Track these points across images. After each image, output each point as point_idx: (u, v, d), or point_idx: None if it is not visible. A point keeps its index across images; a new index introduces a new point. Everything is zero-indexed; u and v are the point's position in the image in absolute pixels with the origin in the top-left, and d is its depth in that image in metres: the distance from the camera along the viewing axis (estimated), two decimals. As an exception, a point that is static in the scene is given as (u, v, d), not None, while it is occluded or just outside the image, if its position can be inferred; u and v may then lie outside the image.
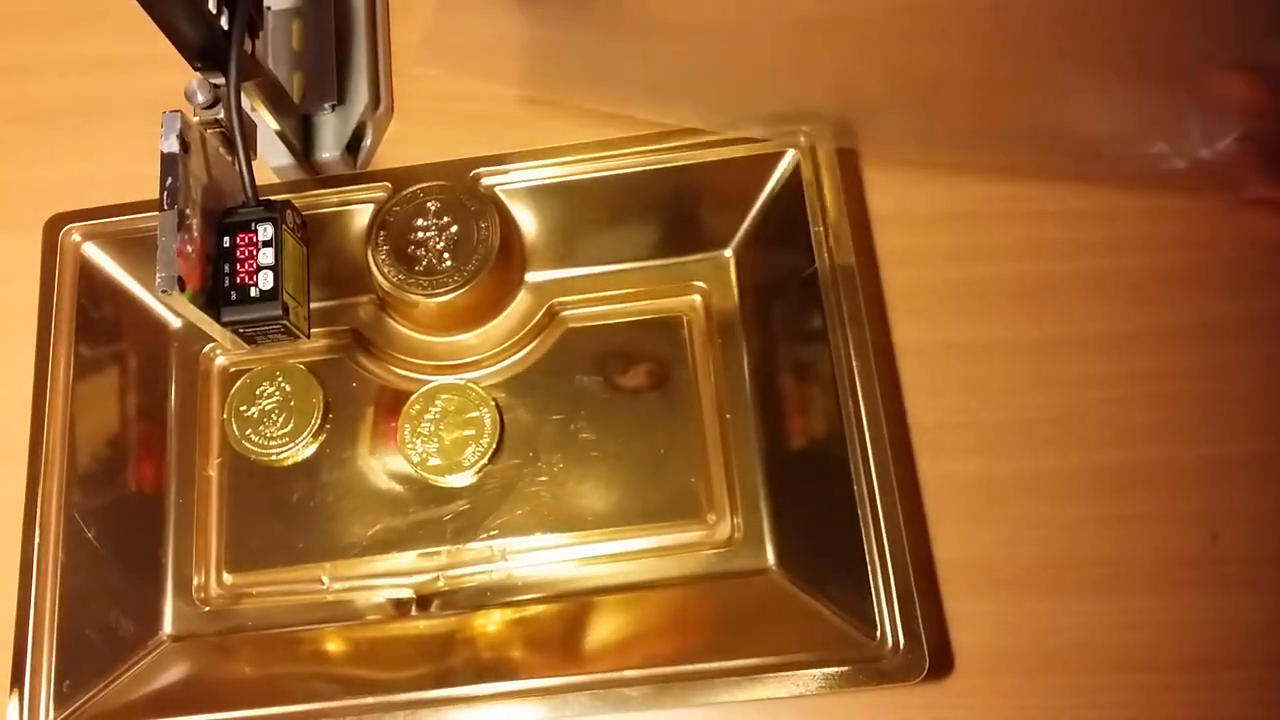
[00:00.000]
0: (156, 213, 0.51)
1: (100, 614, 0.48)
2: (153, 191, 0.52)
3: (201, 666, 0.49)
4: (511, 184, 0.53)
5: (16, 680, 0.45)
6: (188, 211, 0.40)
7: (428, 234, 0.52)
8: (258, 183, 0.43)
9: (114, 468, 0.51)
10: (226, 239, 0.42)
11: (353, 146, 0.55)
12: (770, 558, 0.49)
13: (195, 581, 0.51)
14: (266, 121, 0.50)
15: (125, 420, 0.52)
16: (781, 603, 0.48)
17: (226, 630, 0.50)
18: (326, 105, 0.55)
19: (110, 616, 0.49)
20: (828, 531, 0.48)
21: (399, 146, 0.57)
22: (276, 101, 0.50)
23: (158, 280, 0.38)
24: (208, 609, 0.50)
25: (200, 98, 0.43)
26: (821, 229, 0.50)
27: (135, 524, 0.51)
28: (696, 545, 0.50)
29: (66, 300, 0.52)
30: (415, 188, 0.52)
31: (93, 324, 0.52)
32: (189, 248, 0.39)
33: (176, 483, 0.52)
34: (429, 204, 0.52)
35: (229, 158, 0.44)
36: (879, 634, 0.44)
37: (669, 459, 0.51)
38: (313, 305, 0.53)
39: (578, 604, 0.49)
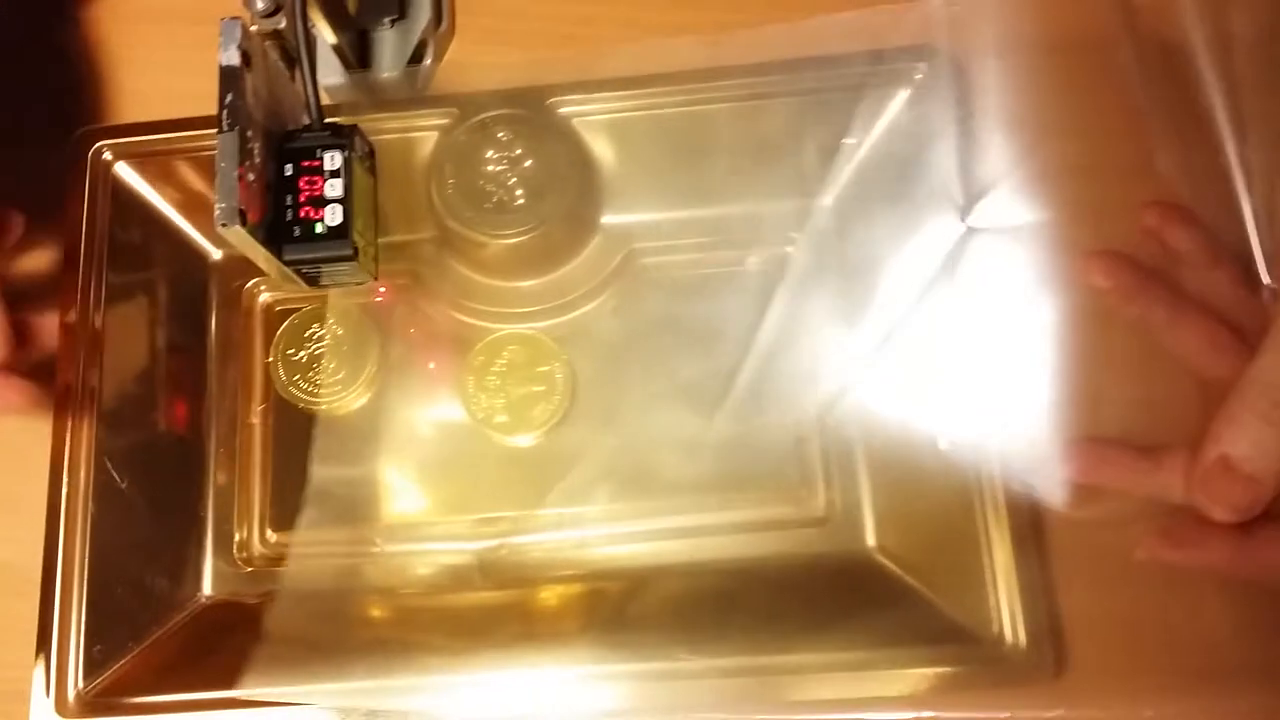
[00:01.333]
0: (200, 132, 0.48)
1: (134, 572, 0.44)
2: (193, 109, 0.48)
3: (243, 631, 0.45)
4: (592, 114, 0.48)
5: (43, 644, 0.41)
6: (249, 134, 0.35)
7: (499, 167, 0.47)
8: (310, 102, 0.38)
9: (148, 411, 0.47)
10: (288, 166, 0.37)
11: (412, 66, 0.50)
12: (870, 538, 0.45)
13: (237, 539, 0.47)
14: (323, 35, 0.45)
15: (160, 360, 0.47)
16: (882, 589, 0.43)
17: (270, 593, 0.46)
18: (386, 20, 0.49)
19: (144, 575, 0.44)
20: (934, 510, 0.43)
21: (462, 69, 0.51)
22: (333, 12, 0.45)
23: (216, 212, 0.33)
24: (250, 569, 0.46)
25: (260, 4, 0.38)
26: (945, 182, 0.45)
27: (172, 474, 0.46)
28: (787, 521, 0.46)
29: (98, 226, 0.47)
30: (485, 115, 0.47)
31: (125, 252, 0.47)
32: (251, 176, 0.34)
33: (216, 430, 0.48)
34: (500, 134, 0.47)
35: (289, 74, 0.39)
36: (997, 628, 0.40)
37: (758, 425, 0.47)
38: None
39: (653, 581, 0.45)
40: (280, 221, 0.37)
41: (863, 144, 0.48)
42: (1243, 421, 0.31)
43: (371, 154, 0.39)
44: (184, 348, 0.48)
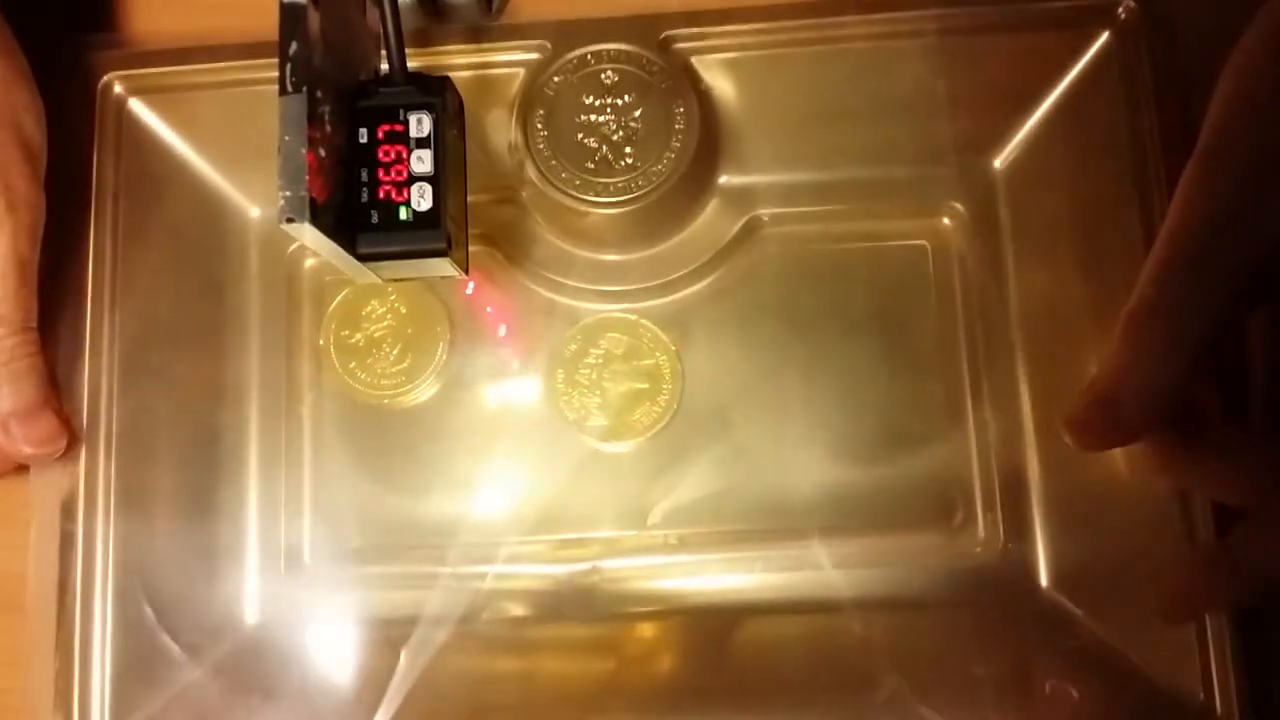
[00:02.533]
0: (237, 63, 0.39)
1: (166, 596, 0.37)
2: (222, 22, 0.40)
3: (295, 664, 0.38)
4: (716, 51, 0.39)
5: (62, 704, 0.35)
6: (319, 94, 0.26)
7: (602, 117, 0.38)
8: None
9: (177, 407, 0.39)
10: (363, 131, 0.29)
11: None
12: (1043, 575, 0.38)
13: (284, 554, 0.39)
14: None
15: (191, 343, 0.40)
16: (1059, 638, 0.36)
17: (324, 619, 0.39)
18: None
19: (179, 599, 0.38)
20: (1125, 541, 0.36)
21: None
22: None
23: (281, 202, 0.25)
24: (301, 590, 0.39)
25: None
26: (1145, 144, 0.37)
27: (208, 478, 0.39)
28: (938, 551, 0.38)
29: (109, 180, 0.39)
30: (584, 50, 0.38)
31: (147, 214, 0.39)
32: (322, 150, 0.26)
33: (259, 426, 0.40)
34: (603, 74, 0.38)
35: (359, 5, 0.31)
36: (1204, 698, 0.33)
37: (903, 434, 0.39)
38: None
39: (774, 623, 0.38)
40: (353, 203, 0.29)
41: (1046, 96, 0.39)
42: (1110, 349, 0.29)
43: (461, 112, 0.31)
44: (219, 329, 0.40)
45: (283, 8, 0.26)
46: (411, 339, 0.40)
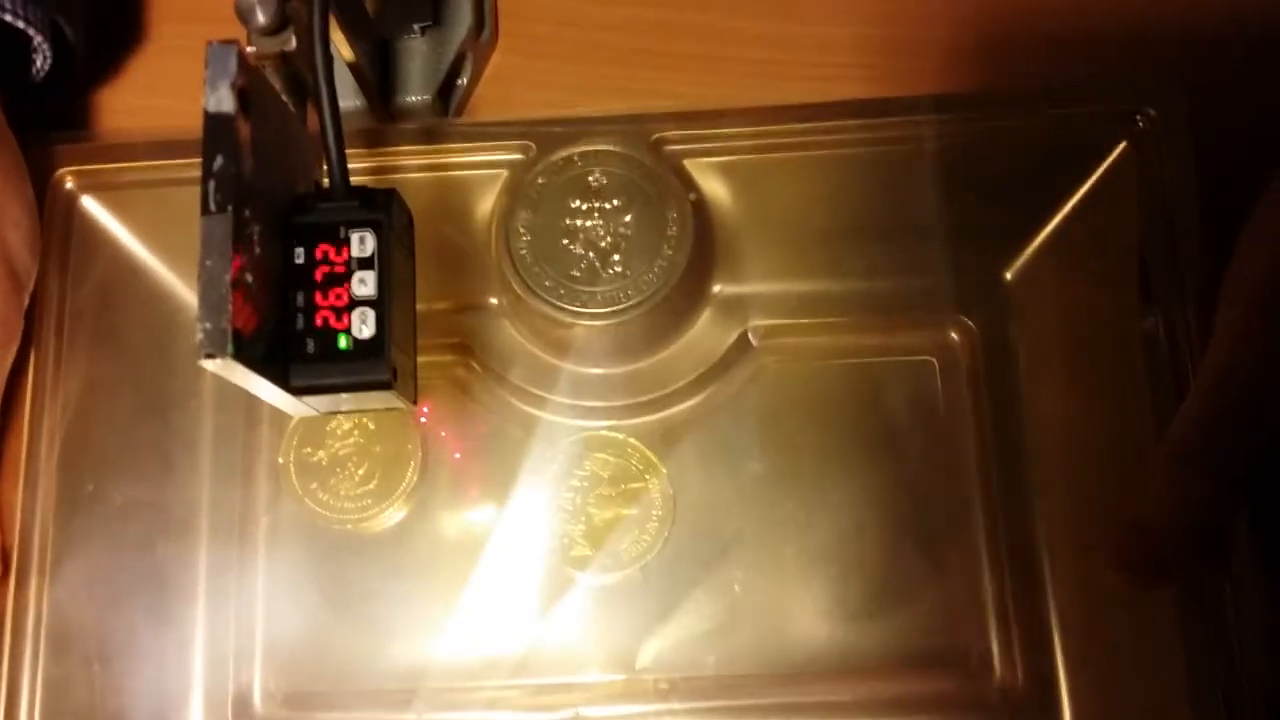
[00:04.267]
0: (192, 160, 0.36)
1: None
2: (178, 119, 0.37)
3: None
4: (711, 155, 0.37)
5: None
6: (247, 213, 0.24)
7: (589, 221, 0.36)
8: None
9: (122, 523, 0.36)
10: (299, 250, 0.26)
11: (445, 88, 0.39)
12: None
13: (232, 698, 0.35)
14: (337, 51, 0.34)
15: (138, 460, 0.36)
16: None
17: (275, 774, 0.35)
18: (415, 26, 0.38)
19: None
20: (1162, 694, 0.33)
21: (509, 88, 0.40)
22: (347, 20, 0.34)
23: (200, 335, 0.22)
24: (248, 739, 0.35)
25: (261, 18, 0.27)
26: (1168, 258, 0.35)
27: (152, 616, 0.35)
28: (951, 701, 0.35)
29: (55, 276, 0.36)
30: (571, 151, 0.36)
31: (95, 313, 0.36)
32: (249, 276, 0.23)
33: (208, 553, 0.36)
34: (590, 177, 0.36)
35: (296, 112, 0.29)
36: None
37: (911, 568, 0.36)
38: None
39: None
40: (286, 330, 0.25)
41: (1060, 206, 0.37)
42: (1149, 483, 0.29)
43: (411, 227, 0.28)
44: (167, 447, 0.37)
45: (208, 118, 0.24)
46: (379, 458, 0.37)
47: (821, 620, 0.36)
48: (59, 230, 0.36)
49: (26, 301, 0.33)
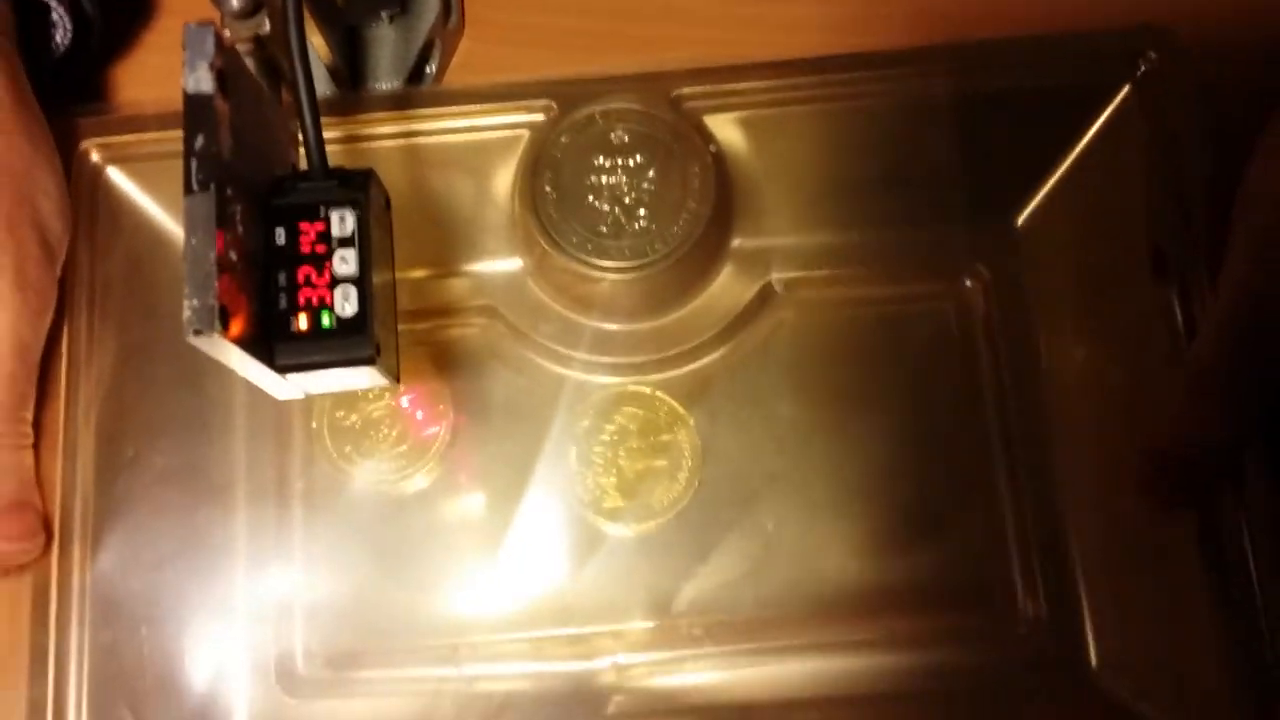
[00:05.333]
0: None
1: (148, 705, 0.34)
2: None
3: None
4: (729, 110, 0.37)
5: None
6: (229, 191, 0.24)
7: (613, 178, 0.36)
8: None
9: (161, 490, 0.36)
10: (280, 231, 0.26)
11: (415, 74, 0.39)
12: (1092, 659, 0.35)
13: (276, 659, 0.36)
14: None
15: (174, 427, 0.37)
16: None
17: (322, 730, 0.36)
18: (383, 15, 0.38)
19: (162, 708, 0.34)
20: (1183, 622, 0.34)
21: (477, 74, 0.40)
22: (315, 7, 0.34)
23: (187, 313, 0.23)
24: (295, 698, 0.36)
25: (235, 2, 0.28)
26: (1168, 199, 0.35)
27: (193, 579, 0.36)
28: (977, 635, 0.36)
29: (85, 247, 0.36)
30: (593, 109, 0.37)
31: (125, 285, 0.37)
32: (233, 253, 0.24)
33: (246, 517, 0.37)
34: (612, 134, 0.37)
35: (273, 96, 0.29)
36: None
37: (935, 509, 0.37)
38: (432, 272, 0.38)
39: (816, 715, 0.35)
40: (270, 310, 0.26)
41: (1068, 152, 0.38)
42: (1169, 410, 0.31)
43: (388, 207, 0.29)
44: (202, 413, 0.37)
45: (187, 98, 0.24)
46: (411, 419, 0.37)
47: (849, 560, 0.37)
48: (86, 202, 0.36)
49: (59, 270, 0.34)
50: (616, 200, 0.36)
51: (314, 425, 0.37)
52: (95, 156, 0.36)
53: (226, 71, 0.25)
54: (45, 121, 0.34)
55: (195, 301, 0.23)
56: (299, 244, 0.26)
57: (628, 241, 0.35)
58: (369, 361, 0.26)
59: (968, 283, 0.39)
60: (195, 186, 0.24)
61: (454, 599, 0.36)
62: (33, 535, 0.32)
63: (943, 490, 0.37)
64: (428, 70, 0.40)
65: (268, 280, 0.26)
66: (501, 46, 0.40)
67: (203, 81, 0.25)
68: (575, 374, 0.38)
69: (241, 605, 0.36)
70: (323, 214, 0.27)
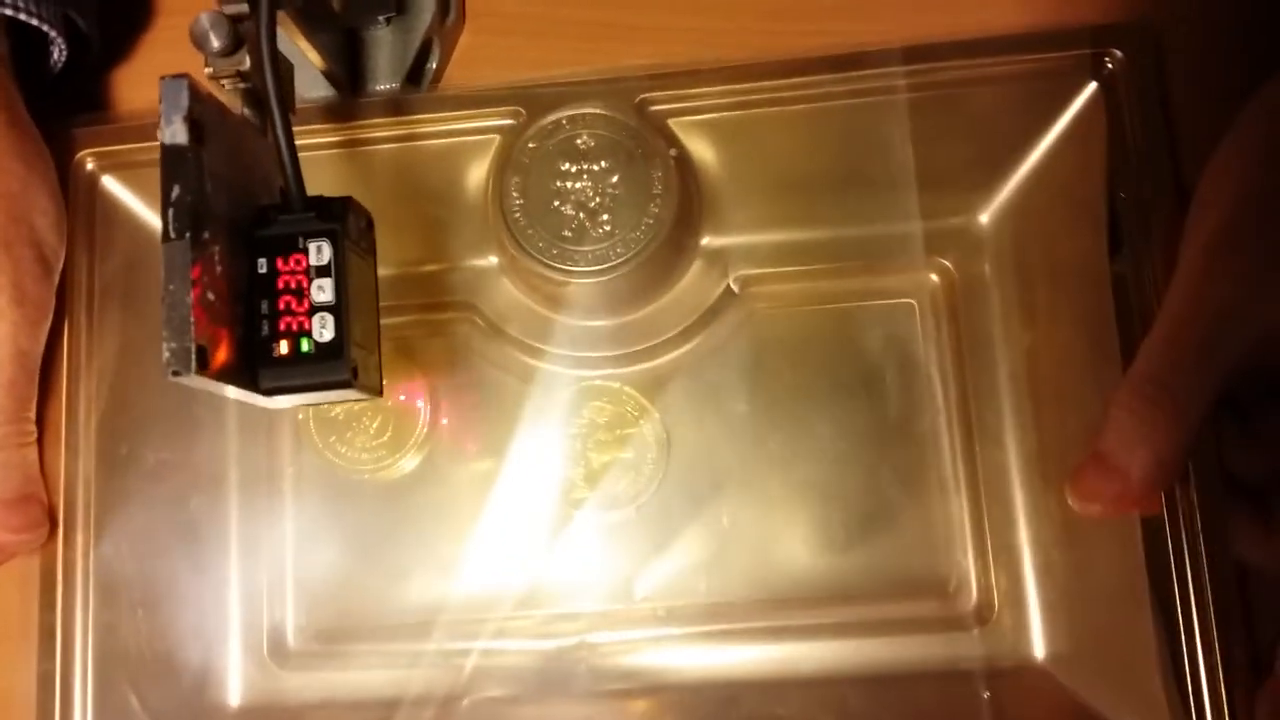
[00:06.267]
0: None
1: (147, 682, 0.37)
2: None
3: (278, 748, 0.38)
4: (694, 114, 0.38)
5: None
6: (207, 235, 0.26)
7: (579, 183, 0.37)
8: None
9: (158, 480, 0.39)
10: (262, 261, 0.28)
11: (414, 73, 0.40)
12: (1038, 648, 0.37)
13: (267, 635, 0.39)
14: (304, 54, 0.36)
15: (168, 417, 0.39)
16: (1059, 717, 0.36)
17: (309, 702, 0.38)
18: (380, 18, 0.39)
19: (160, 684, 0.37)
20: (1127, 613, 0.35)
21: (478, 69, 0.40)
22: (313, 15, 0.35)
23: (166, 354, 0.25)
24: (285, 671, 0.39)
25: (215, 42, 0.29)
26: (1133, 197, 0.36)
27: (186, 559, 0.39)
28: (929, 623, 0.37)
29: (83, 253, 0.38)
30: (560, 115, 0.38)
31: (122, 285, 0.39)
32: (211, 294, 0.26)
33: (239, 504, 0.39)
34: (579, 140, 0.38)
35: (257, 124, 0.30)
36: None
37: (893, 500, 0.38)
38: (410, 270, 0.40)
39: (771, 694, 0.37)
40: (255, 337, 0.28)
41: (1033, 149, 0.38)
42: (1111, 416, 0.31)
43: (370, 227, 0.30)
44: (195, 410, 0.39)
45: (164, 150, 0.26)
46: (391, 411, 0.39)
47: (806, 549, 0.38)
48: (83, 210, 0.38)
49: (56, 281, 0.36)
50: (581, 205, 0.37)
51: (300, 417, 0.40)
52: (90, 165, 0.39)
53: (203, 120, 0.27)
54: (40, 140, 0.36)
55: (174, 344, 0.25)
56: (279, 274, 0.28)
57: (590, 247, 0.37)
58: (346, 385, 0.28)
59: (932, 278, 0.40)
60: (172, 234, 0.26)
61: (432, 580, 0.39)
62: (36, 526, 0.35)
63: (898, 483, 0.38)
64: (428, 68, 0.41)
65: (252, 307, 0.28)
66: (501, 38, 0.41)
67: (178, 134, 0.26)
68: (546, 367, 0.40)
69: (235, 587, 0.39)
70: (301, 245, 0.28)
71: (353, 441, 0.39)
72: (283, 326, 0.28)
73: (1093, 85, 0.37)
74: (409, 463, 0.39)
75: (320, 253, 0.28)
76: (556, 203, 0.37)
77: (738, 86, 0.38)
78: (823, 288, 0.40)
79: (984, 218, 0.39)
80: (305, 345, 0.28)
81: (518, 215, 0.37)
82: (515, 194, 0.37)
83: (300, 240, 0.28)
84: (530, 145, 0.38)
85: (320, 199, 0.29)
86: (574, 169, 0.37)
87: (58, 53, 0.37)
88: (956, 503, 0.38)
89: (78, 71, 0.39)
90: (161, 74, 0.41)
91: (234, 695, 0.38)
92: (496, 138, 0.38)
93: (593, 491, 0.39)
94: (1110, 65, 0.37)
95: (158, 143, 0.38)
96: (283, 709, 0.38)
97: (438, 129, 0.39)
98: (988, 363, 0.38)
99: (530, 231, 0.37)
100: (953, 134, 0.38)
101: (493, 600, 0.39)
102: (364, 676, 0.38)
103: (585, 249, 0.37)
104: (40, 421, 0.36)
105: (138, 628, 0.37)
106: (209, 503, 0.39)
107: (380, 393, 0.30)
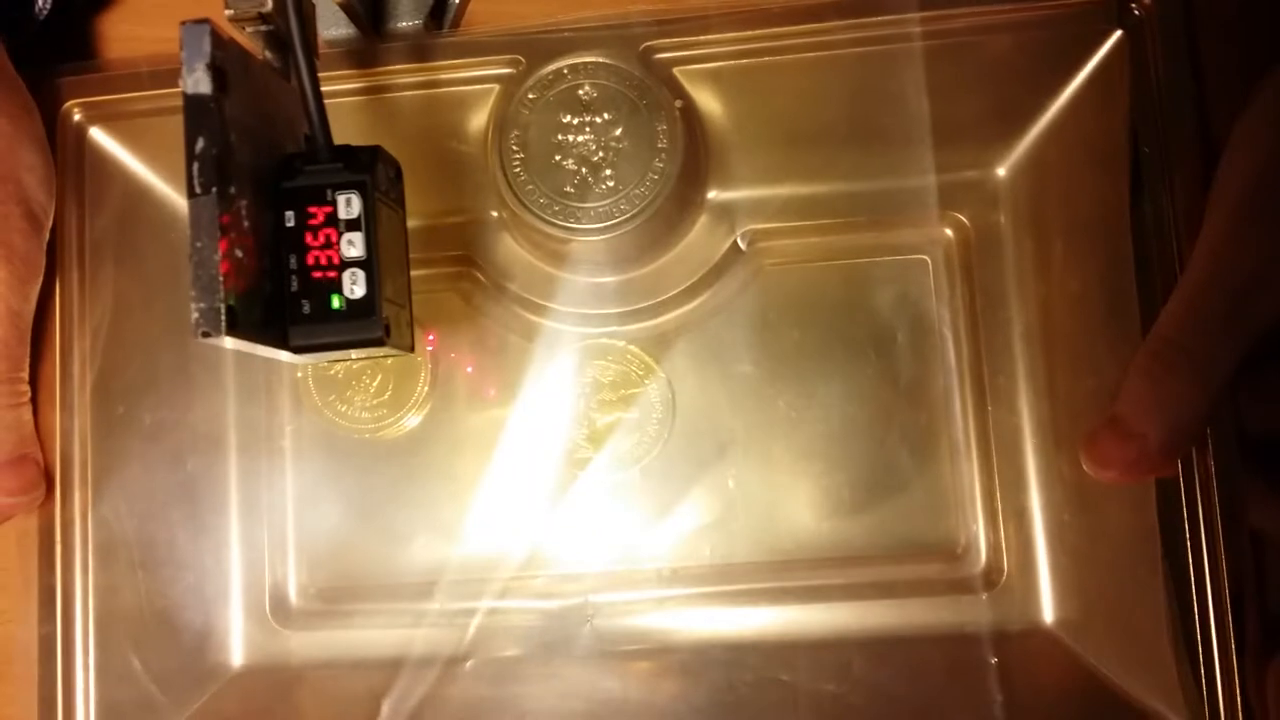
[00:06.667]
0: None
1: (149, 643, 0.37)
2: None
3: (284, 706, 0.38)
4: (701, 63, 0.37)
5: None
6: (233, 189, 0.25)
7: (581, 136, 0.36)
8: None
9: (155, 440, 0.38)
10: (289, 214, 0.27)
11: (436, 11, 0.39)
12: (1048, 611, 0.36)
13: (269, 595, 0.39)
14: None
15: (164, 376, 0.39)
16: (1067, 682, 0.35)
17: (312, 661, 0.38)
18: None
19: (162, 645, 0.37)
20: (1138, 579, 0.35)
21: (501, 3, 0.39)
22: None
23: (195, 315, 0.24)
24: (288, 630, 0.38)
25: None
26: (1157, 151, 0.34)
27: (191, 521, 0.38)
28: (936, 585, 0.37)
29: (72, 207, 0.37)
30: (560, 64, 0.36)
31: (114, 240, 0.38)
32: (239, 251, 0.25)
33: (238, 464, 0.39)
34: (580, 90, 0.36)
35: (280, 69, 0.29)
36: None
37: (903, 459, 0.38)
38: (410, 222, 0.39)
39: (778, 655, 0.37)
40: (283, 291, 0.27)
41: (1054, 99, 0.37)
42: (1129, 380, 0.31)
43: (399, 176, 0.29)
44: (192, 367, 0.39)
45: (186, 100, 0.24)
46: (391, 370, 0.39)
47: (813, 511, 0.38)
48: (71, 162, 0.37)
49: (46, 238, 0.35)
50: (584, 160, 0.36)
51: (299, 375, 0.39)
52: (78, 116, 0.37)
53: (225, 66, 0.25)
54: (25, 91, 0.35)
55: (203, 304, 0.24)
56: (308, 227, 0.27)
57: (594, 204, 0.36)
58: (379, 343, 0.27)
59: (947, 232, 0.38)
60: (198, 190, 0.24)
61: (433, 540, 0.39)
62: (33, 488, 0.35)
63: (908, 444, 0.38)
64: (451, 7, 0.39)
65: (279, 262, 0.27)
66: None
67: (200, 83, 0.25)
68: (549, 324, 0.39)
69: (236, 547, 0.38)
70: (329, 197, 0.27)
71: (352, 400, 0.39)
72: (313, 279, 0.27)
73: (1118, 33, 0.35)
74: (410, 421, 0.39)
75: (350, 205, 0.27)
76: (558, 157, 0.36)
77: (746, 34, 0.36)
78: (833, 243, 0.39)
79: (1001, 171, 0.38)
80: (336, 302, 0.27)
81: (518, 170, 0.36)
82: (515, 148, 0.36)
83: (329, 192, 0.27)
84: (530, 96, 0.36)
85: (348, 148, 0.28)
86: (576, 121, 0.36)
87: (42, 1, 0.36)
88: (967, 464, 0.37)
89: (64, 17, 0.38)
90: (148, 18, 0.41)
91: (236, 655, 0.38)
92: (496, 87, 0.37)
93: (597, 452, 0.38)
94: (1137, 11, 0.35)
95: (149, 92, 0.38)
96: (285, 668, 0.38)
97: (435, 78, 0.37)
98: (1002, 321, 0.37)
99: (531, 187, 0.36)
100: (970, 83, 0.37)
101: (496, 560, 0.38)
102: (367, 635, 0.38)
103: (588, 205, 0.36)
104: (34, 382, 0.36)
105: (138, 588, 0.37)
106: (208, 462, 0.38)
107: (412, 349, 0.29)
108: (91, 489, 0.36)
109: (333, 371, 0.39)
